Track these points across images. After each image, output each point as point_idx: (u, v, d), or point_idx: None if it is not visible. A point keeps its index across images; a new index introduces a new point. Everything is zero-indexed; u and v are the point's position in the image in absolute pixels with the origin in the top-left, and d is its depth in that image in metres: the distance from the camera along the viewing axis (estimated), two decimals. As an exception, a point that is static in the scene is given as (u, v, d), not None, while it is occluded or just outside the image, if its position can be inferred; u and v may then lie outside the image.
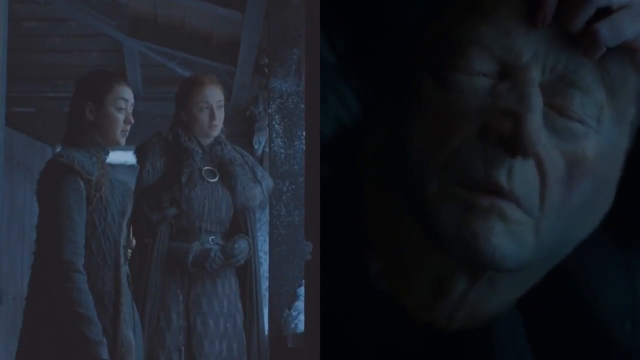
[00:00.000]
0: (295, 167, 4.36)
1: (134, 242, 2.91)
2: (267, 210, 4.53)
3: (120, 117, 2.87)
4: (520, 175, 1.41)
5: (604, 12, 1.43)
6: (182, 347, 3.36)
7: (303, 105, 4.34)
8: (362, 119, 1.56)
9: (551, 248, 1.47)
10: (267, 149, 5.37)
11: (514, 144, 1.38)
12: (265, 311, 4.00)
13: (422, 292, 1.54)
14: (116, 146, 2.91)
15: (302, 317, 4.03)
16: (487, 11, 1.46)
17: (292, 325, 4.17)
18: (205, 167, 3.49)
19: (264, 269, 4.45)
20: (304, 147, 4.28)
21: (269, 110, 4.50)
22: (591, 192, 1.46)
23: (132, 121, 2.91)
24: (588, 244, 1.54)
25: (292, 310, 4.24)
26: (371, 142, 1.56)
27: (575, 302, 1.62)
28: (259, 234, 3.86)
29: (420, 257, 1.52)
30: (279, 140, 4.40)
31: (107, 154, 2.91)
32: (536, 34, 1.44)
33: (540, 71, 1.45)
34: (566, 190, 1.44)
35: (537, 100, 1.41)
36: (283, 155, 4.39)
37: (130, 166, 5.05)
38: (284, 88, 4.43)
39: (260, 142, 6.44)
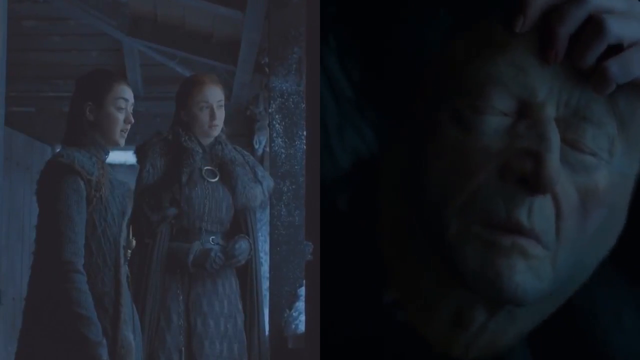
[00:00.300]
0: (296, 167, 4.35)
1: (133, 242, 2.91)
2: (268, 211, 4.52)
3: (120, 116, 2.87)
4: (539, 212, 1.44)
5: (615, 48, 1.44)
6: (183, 348, 3.35)
7: (304, 105, 4.33)
8: (379, 152, 1.58)
9: (567, 277, 1.49)
10: (267, 149, 5.36)
11: (535, 183, 1.41)
12: (266, 312, 3.99)
13: (441, 324, 1.56)
14: (116, 146, 2.90)
15: (302, 318, 4.02)
16: (500, 47, 1.47)
17: (293, 326, 4.16)
18: (206, 167, 3.48)
19: (265, 269, 4.45)
20: (304, 146, 4.28)
21: (270, 110, 4.49)
22: (604, 220, 1.49)
23: (132, 121, 2.90)
24: (602, 284, 1.57)
25: (292, 311, 4.24)
26: (387, 177, 1.57)
27: (587, 343, 1.64)
28: (260, 234, 3.85)
29: (439, 289, 1.54)
30: (280, 140, 4.40)
31: (107, 153, 2.91)
32: (550, 70, 1.46)
33: (555, 107, 1.47)
34: (580, 221, 1.47)
35: (555, 139, 1.43)
36: (284, 155, 4.38)
37: (130, 166, 5.04)
38: (284, 87, 4.42)
39: (260, 141, 6.43)
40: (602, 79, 1.43)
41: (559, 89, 1.46)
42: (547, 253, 1.45)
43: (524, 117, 1.45)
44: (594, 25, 1.42)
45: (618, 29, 1.42)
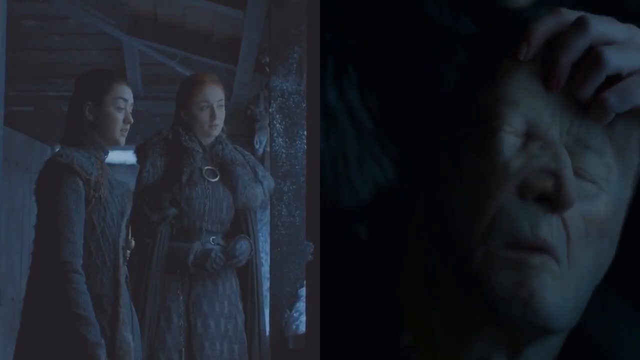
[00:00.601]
0: (297, 166, 4.35)
1: (132, 242, 2.90)
2: (268, 211, 4.52)
3: (120, 116, 2.87)
4: (558, 231, 1.46)
5: (613, 78, 1.47)
6: (183, 348, 3.35)
7: (304, 105, 4.33)
8: (398, 183, 1.60)
9: (576, 306, 1.51)
10: (268, 149, 5.36)
11: (557, 200, 1.43)
12: (267, 312, 3.99)
13: None
14: (115, 146, 2.89)
15: (303, 318, 4.02)
16: (509, 71, 1.50)
17: (294, 327, 4.16)
18: (206, 167, 3.48)
19: (265, 269, 4.44)
20: (305, 146, 4.27)
21: (270, 110, 4.49)
22: (604, 247, 1.52)
23: (132, 121, 2.90)
24: (618, 318, 1.60)
25: (293, 311, 4.23)
26: (404, 212, 1.59)
27: None
28: (260, 234, 3.84)
29: (457, 337, 1.53)
30: (280, 139, 4.39)
31: (106, 153, 2.91)
32: (552, 97, 1.48)
33: (558, 132, 1.49)
34: (585, 248, 1.49)
35: (567, 157, 1.46)
36: (284, 155, 4.38)
37: (130, 166, 5.03)
38: (285, 87, 4.42)
39: (261, 141, 6.43)
40: (601, 109, 1.46)
41: (560, 116, 1.49)
42: (566, 275, 1.47)
43: (534, 138, 1.48)
44: (592, 56, 1.45)
45: (617, 60, 1.45)
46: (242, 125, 6.41)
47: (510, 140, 1.47)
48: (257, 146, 6.45)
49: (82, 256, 2.72)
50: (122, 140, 2.89)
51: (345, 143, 1.59)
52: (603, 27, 1.46)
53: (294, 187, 4.34)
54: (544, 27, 1.47)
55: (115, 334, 2.75)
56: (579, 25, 1.46)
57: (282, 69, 4.44)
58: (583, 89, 1.46)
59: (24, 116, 6.67)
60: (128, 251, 2.88)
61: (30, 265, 2.81)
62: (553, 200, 1.43)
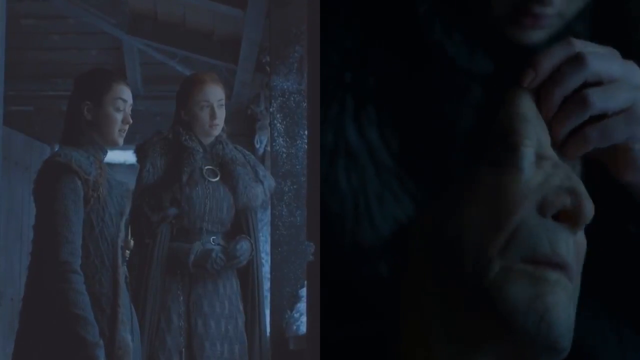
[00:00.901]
0: (297, 166, 4.35)
1: (132, 242, 2.89)
2: (269, 211, 4.51)
3: (119, 117, 2.86)
4: (572, 250, 1.48)
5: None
6: (183, 349, 3.35)
7: (305, 104, 4.32)
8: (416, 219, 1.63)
9: (572, 328, 1.52)
10: (268, 148, 5.36)
11: (576, 217, 1.46)
12: (267, 313, 3.98)
13: None
14: (114, 146, 2.89)
15: (304, 319, 4.01)
16: (519, 92, 1.54)
17: (294, 327, 4.16)
18: (207, 167, 3.47)
19: (266, 269, 4.43)
20: (305, 146, 4.27)
21: (271, 109, 4.49)
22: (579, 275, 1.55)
23: (130, 121, 2.90)
24: (628, 348, 1.63)
25: (294, 312, 4.23)
26: (414, 242, 1.61)
27: None
28: (261, 234, 3.83)
29: (458, 350, 1.53)
30: (281, 139, 4.39)
31: (105, 153, 2.90)
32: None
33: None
34: (579, 271, 1.51)
35: (577, 176, 1.49)
36: (285, 155, 4.38)
37: (130, 165, 5.02)
38: (285, 86, 4.42)
39: (261, 141, 6.44)
40: (580, 143, 1.51)
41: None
42: (572, 292, 1.49)
43: (544, 157, 1.51)
44: (579, 97, 1.50)
45: (602, 103, 1.49)
46: (243, 125, 6.41)
47: (530, 156, 1.49)
48: (257, 146, 6.45)
49: (80, 256, 2.71)
50: (120, 141, 2.88)
51: (366, 181, 1.62)
52: (599, 65, 1.50)
53: (295, 187, 4.34)
54: (552, 59, 1.51)
55: (114, 334, 2.74)
56: (576, 61, 1.50)
57: (282, 68, 4.44)
58: (563, 125, 1.51)
59: (23, 116, 6.67)
60: (127, 251, 2.87)
61: (29, 266, 2.80)
62: (572, 218, 1.46)
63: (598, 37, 1.61)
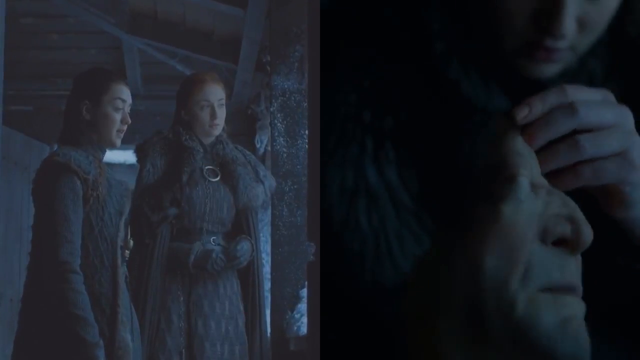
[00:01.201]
0: (298, 166, 4.34)
1: (131, 242, 2.89)
2: (269, 211, 4.51)
3: (117, 117, 2.86)
4: (577, 270, 1.48)
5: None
6: (183, 350, 3.35)
7: (305, 104, 4.32)
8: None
9: None
10: (269, 148, 5.35)
11: (577, 243, 1.46)
12: (268, 313, 3.98)
13: None
14: (112, 146, 2.89)
15: (304, 320, 4.01)
16: (508, 126, 1.53)
17: (295, 328, 4.15)
18: (207, 167, 3.47)
19: (266, 270, 4.43)
20: (306, 146, 4.26)
21: (271, 109, 4.49)
22: None
23: (129, 121, 2.90)
24: None
25: (294, 312, 4.23)
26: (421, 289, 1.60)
27: None
28: (261, 234, 3.83)
29: None
30: (281, 139, 4.39)
31: (104, 152, 2.91)
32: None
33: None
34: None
35: (573, 202, 1.50)
36: (285, 155, 4.38)
37: (130, 165, 5.01)
38: (286, 86, 4.42)
39: (262, 141, 6.43)
40: (572, 178, 1.51)
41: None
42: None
43: (538, 186, 1.51)
44: (571, 142, 1.49)
45: (594, 148, 1.49)
46: (243, 125, 6.41)
47: (525, 185, 1.49)
48: (258, 145, 6.45)
49: (80, 256, 2.71)
50: (118, 142, 2.88)
51: (386, 220, 1.63)
52: (591, 114, 1.49)
53: (295, 187, 4.34)
54: (544, 105, 1.50)
55: (114, 334, 2.74)
56: (569, 110, 1.49)
57: (283, 68, 4.44)
58: (552, 164, 1.51)
59: (22, 115, 6.66)
60: (127, 251, 2.86)
61: (28, 266, 2.80)
62: (571, 244, 1.46)
63: (613, 71, 1.62)
